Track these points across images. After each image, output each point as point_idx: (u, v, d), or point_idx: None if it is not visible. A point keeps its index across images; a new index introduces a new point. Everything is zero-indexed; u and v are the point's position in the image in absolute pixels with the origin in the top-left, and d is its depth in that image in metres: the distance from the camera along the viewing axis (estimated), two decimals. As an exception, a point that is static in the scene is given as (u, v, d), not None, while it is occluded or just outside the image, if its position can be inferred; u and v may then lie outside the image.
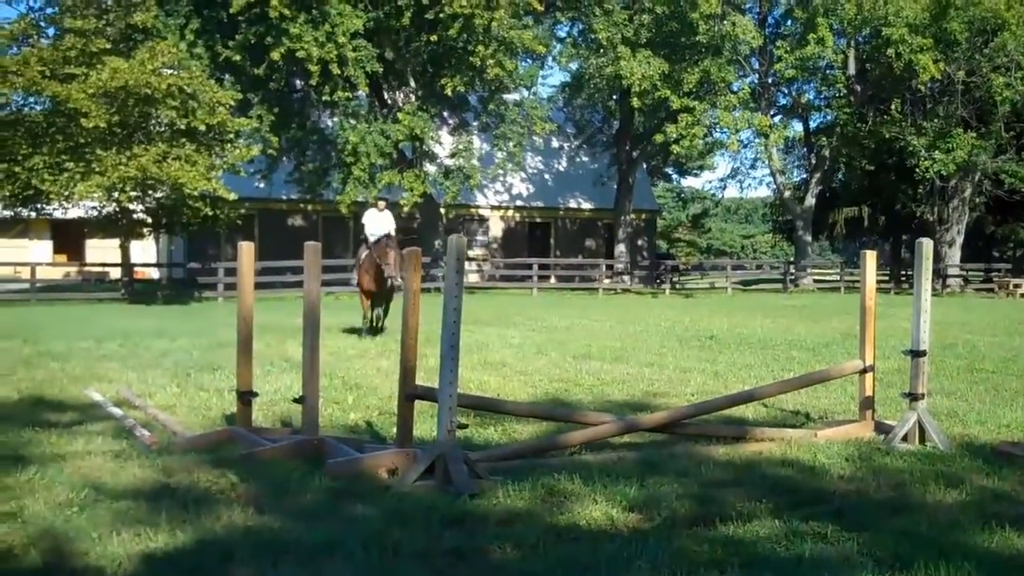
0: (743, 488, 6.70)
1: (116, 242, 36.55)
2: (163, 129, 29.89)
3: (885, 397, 9.74)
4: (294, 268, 31.80)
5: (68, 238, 49.74)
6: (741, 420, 9.39)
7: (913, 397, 8.49)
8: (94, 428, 8.75)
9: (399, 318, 7.54)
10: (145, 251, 44.58)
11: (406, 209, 35.14)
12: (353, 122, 33.53)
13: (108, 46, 28.99)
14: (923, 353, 8.55)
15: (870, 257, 9.09)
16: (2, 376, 12.00)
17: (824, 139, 47.05)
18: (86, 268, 44.20)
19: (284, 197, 40.81)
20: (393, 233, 18.01)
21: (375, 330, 17.95)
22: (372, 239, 17.81)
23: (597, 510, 6.12)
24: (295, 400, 8.07)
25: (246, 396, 8.43)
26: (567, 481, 6.72)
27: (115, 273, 36.08)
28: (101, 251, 47.86)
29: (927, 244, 8.74)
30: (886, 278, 45.11)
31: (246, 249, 8.59)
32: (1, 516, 5.77)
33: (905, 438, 8.37)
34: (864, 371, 8.91)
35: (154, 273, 40.91)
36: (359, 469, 7.07)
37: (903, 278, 46.50)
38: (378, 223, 18.15)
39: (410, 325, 7.33)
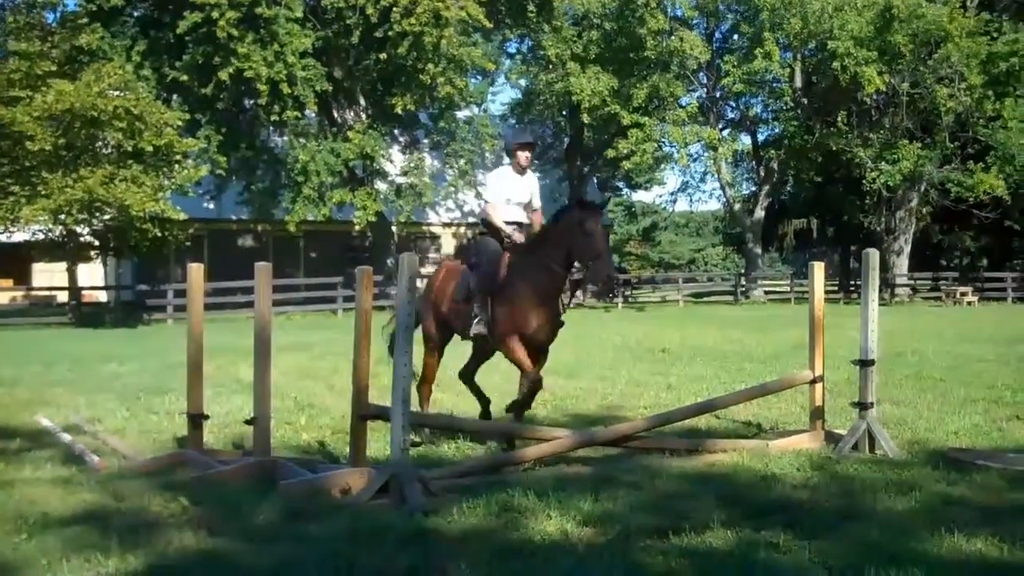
0: (697, 499, 6.74)
1: (63, 265, 36.17)
2: (110, 151, 29.59)
3: (835, 406, 9.83)
4: (245, 289, 31.69)
5: (13, 262, 48.95)
6: (694, 432, 9.44)
7: (862, 406, 8.58)
8: (43, 454, 8.63)
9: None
10: (93, 274, 44.04)
11: (358, 227, 35.08)
12: (303, 141, 33.43)
13: (53, 68, 28.72)
14: (871, 362, 8.65)
15: (818, 269, 9.17)
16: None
17: (772, 152, 47.53)
18: (33, 292, 43.57)
19: (234, 217, 40.50)
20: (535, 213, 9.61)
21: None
22: (506, 228, 9.12)
23: (552, 525, 6.12)
24: (247, 422, 8.00)
25: (197, 418, 8.35)
26: (522, 497, 6.71)
27: (62, 297, 35.69)
28: (48, 275, 47.23)
29: (874, 255, 8.85)
30: (835, 288, 45.66)
31: (195, 270, 8.52)
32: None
33: (855, 447, 8.46)
34: (814, 381, 9.00)
35: (102, 296, 40.42)
36: (313, 489, 7.02)
37: (852, 288, 47.03)
38: (515, 189, 9.36)
39: (362, 344, 7.31)
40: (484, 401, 9.79)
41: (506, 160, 9.67)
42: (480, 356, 9.99)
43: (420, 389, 9.66)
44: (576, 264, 8.45)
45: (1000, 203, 41.54)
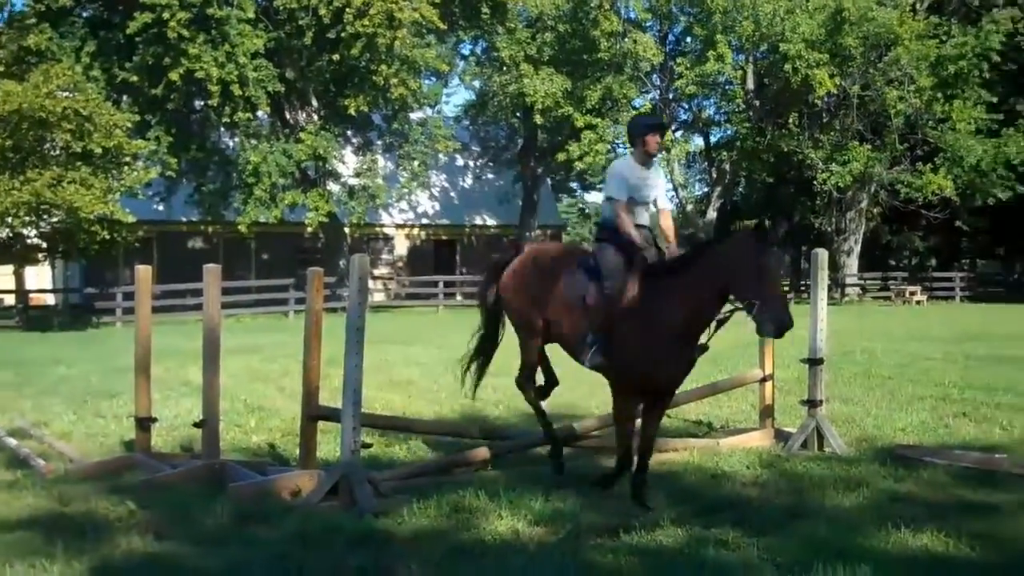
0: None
1: (9, 269, 35.60)
2: (58, 153, 29.15)
3: (785, 405, 9.90)
4: (195, 291, 31.38)
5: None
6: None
7: (812, 404, 8.68)
8: (-13, 459, 8.52)
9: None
10: (40, 277, 43.44)
11: (310, 229, 34.89)
12: (254, 142, 33.14)
13: (0, 69, 28.27)
14: (820, 361, 8.74)
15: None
16: None
17: (724, 153, 47.80)
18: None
19: (184, 219, 40.06)
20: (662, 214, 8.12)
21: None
22: (638, 238, 7.43)
23: (503, 525, 6.13)
24: (195, 424, 7.93)
25: (145, 422, 8.27)
26: (473, 497, 6.71)
27: (9, 300, 35.16)
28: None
29: (822, 254, 8.96)
30: (786, 288, 45.94)
31: (142, 272, 8.44)
32: None
33: (804, 444, 8.56)
34: (764, 380, 9.09)
35: (49, 299, 39.85)
36: (262, 492, 6.99)
37: (803, 288, 47.44)
38: (641, 184, 7.61)
39: (312, 346, 7.28)
40: (545, 421, 8.23)
41: (625, 150, 8.49)
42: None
43: (523, 385, 8.32)
44: (731, 300, 6.86)
45: (949, 204, 42.07)
